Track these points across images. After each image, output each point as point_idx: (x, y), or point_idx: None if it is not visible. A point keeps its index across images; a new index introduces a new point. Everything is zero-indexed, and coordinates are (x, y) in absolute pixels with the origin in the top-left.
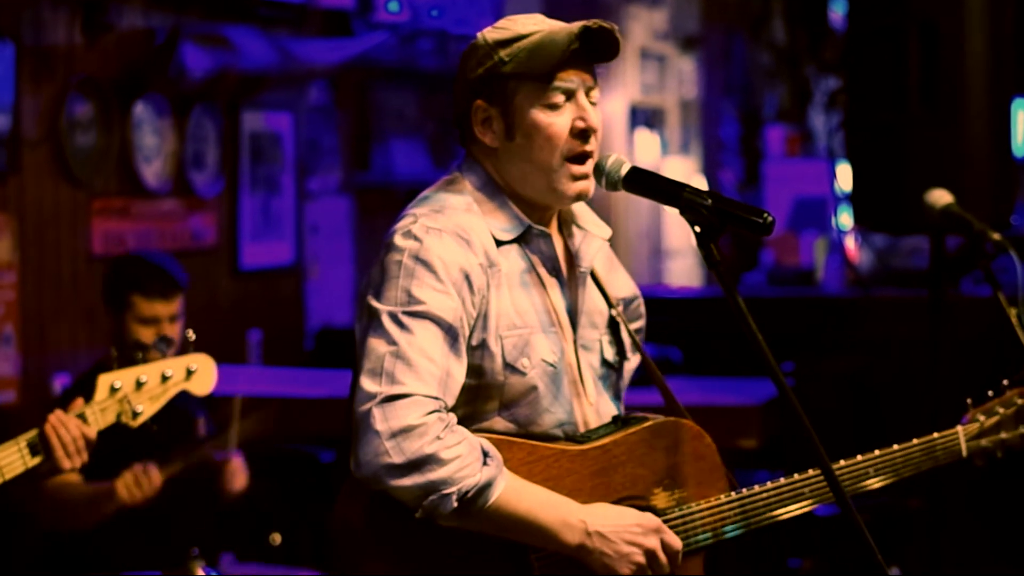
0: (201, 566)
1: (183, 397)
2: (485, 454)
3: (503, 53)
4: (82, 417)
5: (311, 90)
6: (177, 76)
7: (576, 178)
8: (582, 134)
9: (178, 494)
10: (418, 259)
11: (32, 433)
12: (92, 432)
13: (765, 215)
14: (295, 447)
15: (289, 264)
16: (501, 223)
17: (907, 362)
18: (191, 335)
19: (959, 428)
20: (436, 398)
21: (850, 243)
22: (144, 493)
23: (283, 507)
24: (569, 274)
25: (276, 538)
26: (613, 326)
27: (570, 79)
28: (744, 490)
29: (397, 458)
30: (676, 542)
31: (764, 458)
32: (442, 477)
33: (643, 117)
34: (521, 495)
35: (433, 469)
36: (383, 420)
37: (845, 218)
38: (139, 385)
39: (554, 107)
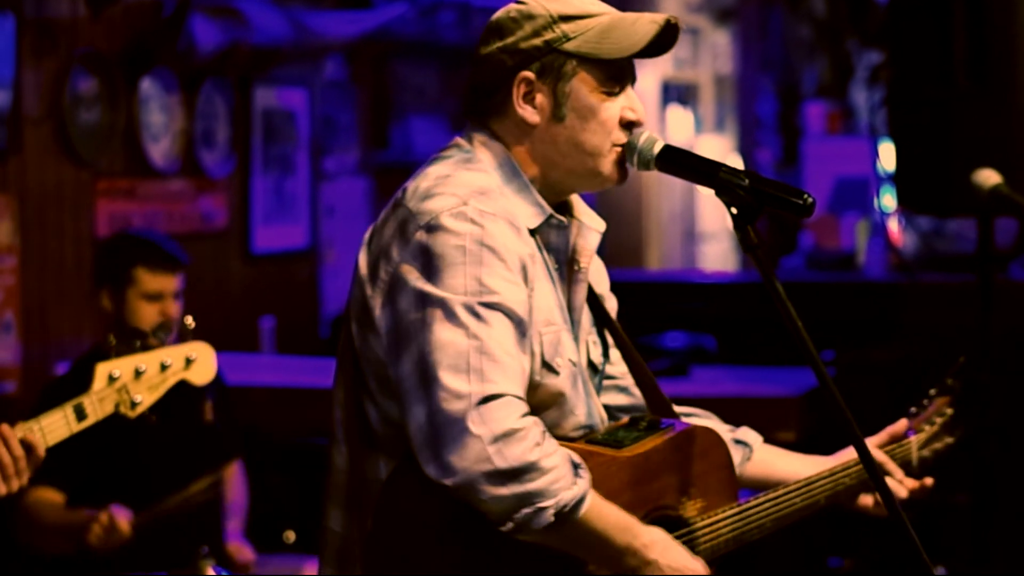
0: (211, 565)
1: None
2: (576, 465)
3: (567, 27)
4: (24, 441)
5: (327, 65)
6: (186, 50)
7: (622, 163)
8: (629, 126)
9: (180, 485)
10: (484, 245)
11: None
12: (40, 449)
13: (804, 196)
14: (309, 440)
15: (304, 248)
16: (527, 209)
17: (954, 351)
18: (190, 322)
19: (912, 439)
20: (523, 398)
21: (893, 225)
22: (113, 543)
23: (297, 503)
24: (568, 268)
25: (290, 536)
26: (598, 325)
27: (629, 68)
28: (761, 496)
29: (500, 463)
30: None
31: (803, 451)
32: (540, 488)
33: (676, 93)
34: (602, 514)
35: (533, 479)
36: (481, 422)
37: (888, 199)
38: (138, 374)
39: (612, 94)
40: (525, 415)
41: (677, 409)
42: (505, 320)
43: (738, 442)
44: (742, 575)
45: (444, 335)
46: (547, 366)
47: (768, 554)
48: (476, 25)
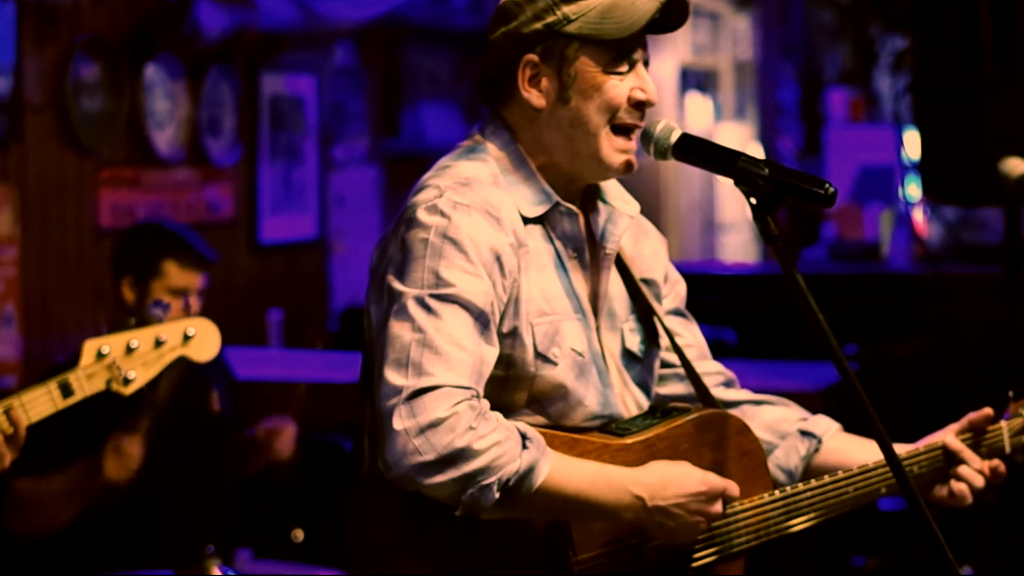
0: (217, 564)
1: (198, 368)
2: (524, 436)
3: (567, 10)
4: (8, 412)
5: (336, 50)
6: (191, 35)
7: (624, 151)
8: (639, 105)
9: (191, 486)
10: (446, 237)
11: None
12: (21, 428)
13: (827, 185)
14: (318, 436)
15: (312, 239)
16: (528, 198)
17: (980, 345)
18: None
19: (1003, 424)
20: (467, 388)
21: (918, 216)
22: (130, 467)
23: (305, 500)
24: (591, 255)
25: (298, 534)
26: (640, 312)
27: (636, 47)
28: (788, 488)
29: (428, 455)
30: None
31: None
32: (479, 467)
33: (694, 80)
34: (569, 474)
35: (468, 462)
36: (410, 415)
37: (913, 188)
38: (129, 350)
39: (619, 74)
40: (461, 402)
41: (749, 397)
42: (460, 312)
43: (804, 434)
44: (763, 573)
45: (394, 330)
46: (542, 357)
47: (790, 552)
48: (489, 9)
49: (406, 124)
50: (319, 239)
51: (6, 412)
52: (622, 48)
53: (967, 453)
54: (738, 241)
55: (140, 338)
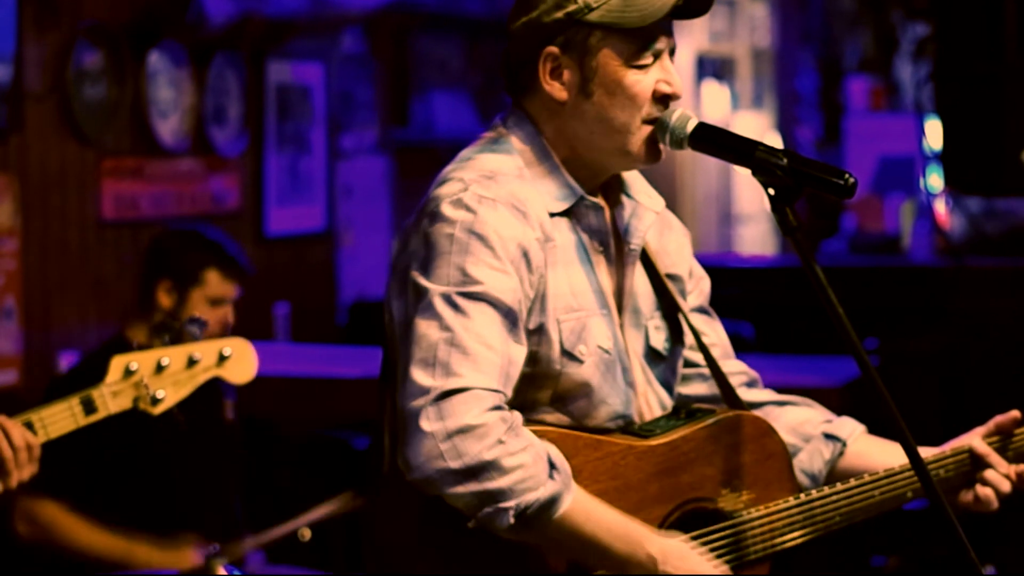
0: (222, 564)
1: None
2: (552, 465)
3: None
4: (29, 426)
5: (344, 38)
6: (196, 22)
7: (653, 142)
8: (664, 99)
9: (197, 485)
10: (472, 232)
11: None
12: (36, 443)
13: (846, 176)
14: (326, 432)
15: (320, 230)
16: (552, 191)
17: (1004, 339)
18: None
19: None
20: (496, 391)
21: (940, 207)
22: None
23: (313, 499)
24: (616, 250)
25: (305, 533)
26: (665, 309)
27: (661, 38)
28: (814, 492)
29: (453, 463)
30: None
31: None
32: (501, 488)
33: (711, 68)
34: (589, 516)
35: (492, 478)
36: (438, 418)
37: (935, 179)
38: (160, 368)
39: (643, 67)
40: (492, 409)
41: (772, 397)
42: (488, 310)
43: (829, 437)
44: (782, 574)
45: (421, 328)
46: (568, 354)
47: (809, 552)
48: None
49: (416, 113)
50: (327, 231)
51: (25, 427)
52: (645, 37)
53: (994, 457)
54: (756, 233)
55: (172, 356)
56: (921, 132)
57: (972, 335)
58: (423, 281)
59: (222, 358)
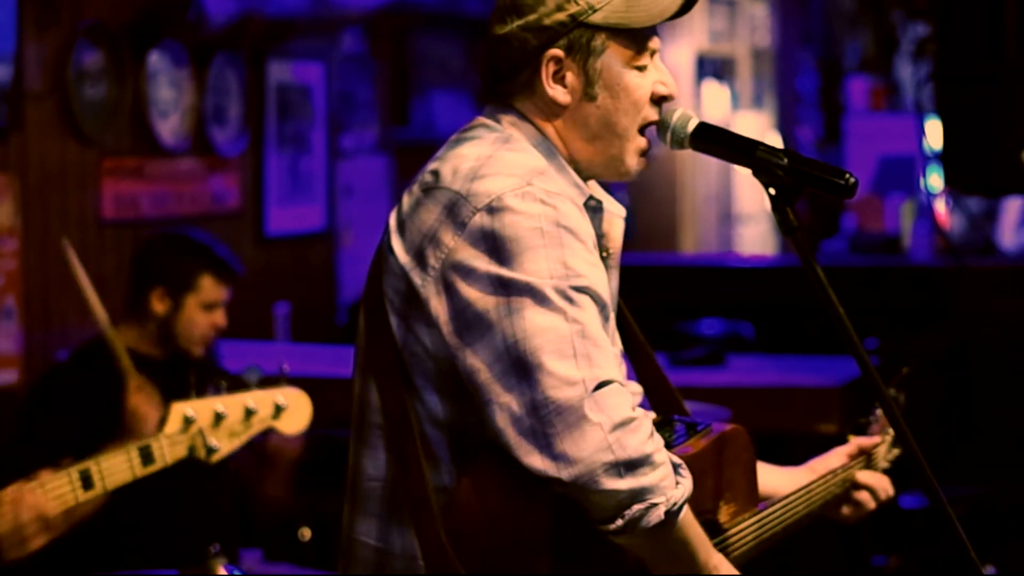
0: (222, 564)
1: (208, 374)
2: (676, 464)
3: None
4: (87, 476)
5: (344, 38)
6: (197, 22)
7: (643, 153)
8: (660, 101)
9: (196, 484)
10: (560, 225)
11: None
12: (51, 510)
13: (847, 176)
14: (326, 433)
15: (320, 230)
16: (570, 190)
17: (1005, 339)
18: (286, 368)
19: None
20: (625, 384)
21: (941, 207)
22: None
23: (313, 499)
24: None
25: (306, 533)
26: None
27: (654, 37)
28: (775, 503)
29: (620, 454)
30: None
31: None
32: (653, 484)
33: (711, 68)
34: (691, 522)
35: (646, 472)
36: (599, 409)
37: (935, 179)
38: (218, 419)
39: (642, 68)
40: (635, 405)
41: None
42: (592, 304)
43: None
44: (782, 574)
45: (540, 320)
46: None
47: (811, 552)
48: None
49: (416, 113)
50: (327, 230)
51: (82, 475)
52: (647, 38)
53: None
54: (756, 233)
55: (230, 407)
56: (921, 132)
57: (972, 335)
58: (516, 275)
59: (278, 409)
